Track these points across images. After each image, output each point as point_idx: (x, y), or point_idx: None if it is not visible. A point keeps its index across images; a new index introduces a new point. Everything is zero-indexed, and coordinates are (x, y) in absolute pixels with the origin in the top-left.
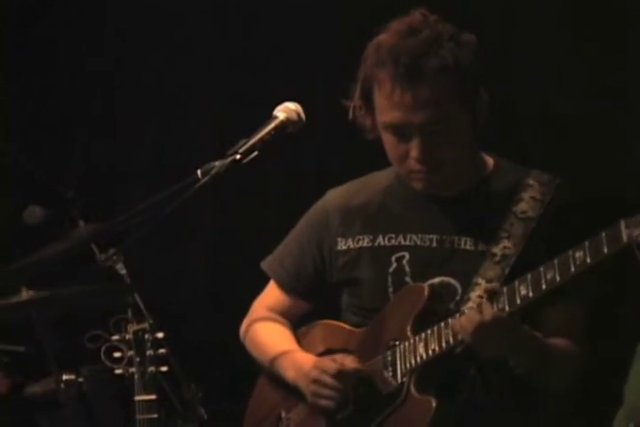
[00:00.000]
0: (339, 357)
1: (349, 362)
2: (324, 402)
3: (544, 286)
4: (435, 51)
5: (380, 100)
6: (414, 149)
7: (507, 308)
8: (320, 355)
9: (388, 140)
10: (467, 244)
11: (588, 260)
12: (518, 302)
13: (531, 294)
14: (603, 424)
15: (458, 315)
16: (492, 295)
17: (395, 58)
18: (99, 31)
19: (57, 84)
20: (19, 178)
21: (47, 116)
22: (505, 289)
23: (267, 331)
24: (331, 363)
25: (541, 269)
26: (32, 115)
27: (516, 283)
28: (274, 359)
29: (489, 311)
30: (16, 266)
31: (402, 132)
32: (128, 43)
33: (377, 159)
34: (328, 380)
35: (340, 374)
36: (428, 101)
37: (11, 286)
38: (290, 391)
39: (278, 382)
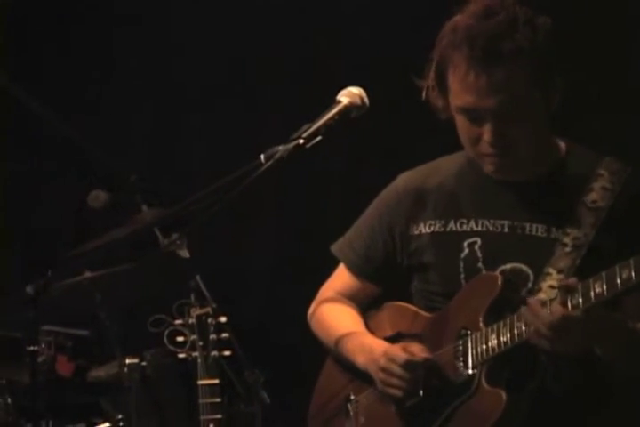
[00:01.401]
0: (408, 345)
1: (419, 351)
2: (392, 391)
3: (620, 286)
4: (510, 34)
5: (453, 83)
6: (487, 133)
7: (581, 305)
8: (389, 338)
9: (460, 122)
10: (538, 230)
11: None
12: (593, 299)
13: (606, 293)
14: None
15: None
16: (566, 291)
17: (470, 40)
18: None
19: (113, 70)
20: (83, 163)
21: (108, 102)
22: (580, 286)
23: (333, 313)
24: (400, 352)
25: (617, 267)
26: (94, 101)
27: (591, 281)
28: (340, 341)
29: (559, 312)
30: (80, 250)
31: (475, 115)
32: (195, 22)
33: (443, 143)
34: (396, 369)
35: (409, 364)
36: (502, 86)
37: (74, 271)
38: (358, 374)
39: (347, 363)
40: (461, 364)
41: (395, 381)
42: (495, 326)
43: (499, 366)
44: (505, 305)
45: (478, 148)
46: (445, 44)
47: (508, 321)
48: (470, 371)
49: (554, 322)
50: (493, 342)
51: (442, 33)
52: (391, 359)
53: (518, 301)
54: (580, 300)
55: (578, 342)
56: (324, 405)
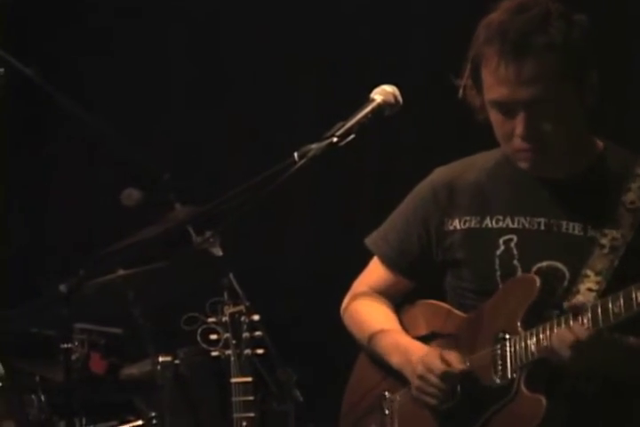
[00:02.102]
0: (445, 353)
1: (456, 362)
2: (427, 399)
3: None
4: (543, 28)
5: (486, 76)
6: (519, 126)
7: (601, 324)
8: (423, 337)
9: (495, 118)
10: (575, 229)
11: None
12: (612, 319)
13: (624, 313)
14: None
15: (570, 315)
16: (577, 311)
17: (502, 34)
18: None
19: (143, 68)
20: (116, 160)
21: (139, 99)
22: (599, 303)
23: (366, 309)
24: (437, 362)
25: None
26: (131, 99)
27: (633, 288)
28: (373, 338)
29: (581, 331)
30: (113, 248)
31: (507, 109)
32: (227, 20)
33: (478, 142)
34: (433, 379)
35: (446, 375)
36: (533, 78)
37: (108, 269)
38: (392, 372)
39: (380, 361)
40: (500, 368)
41: (431, 390)
42: (534, 331)
43: (537, 370)
44: (543, 308)
45: (512, 144)
46: (479, 40)
47: (548, 326)
48: (509, 376)
49: (579, 341)
50: (533, 347)
51: (477, 31)
52: (429, 369)
53: (556, 303)
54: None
55: (594, 362)
56: (356, 402)
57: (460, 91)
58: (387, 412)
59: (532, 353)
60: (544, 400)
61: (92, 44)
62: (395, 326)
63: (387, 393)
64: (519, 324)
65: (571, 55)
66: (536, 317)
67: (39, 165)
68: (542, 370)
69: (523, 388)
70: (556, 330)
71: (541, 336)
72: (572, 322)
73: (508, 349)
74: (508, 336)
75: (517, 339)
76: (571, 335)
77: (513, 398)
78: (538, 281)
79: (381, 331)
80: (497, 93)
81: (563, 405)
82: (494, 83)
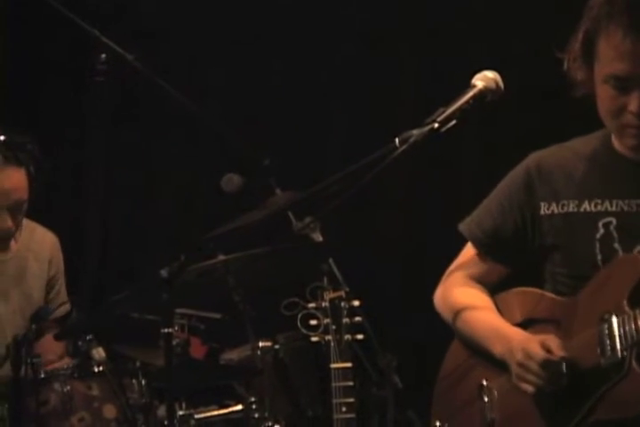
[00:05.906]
0: (546, 339)
1: (556, 348)
2: (525, 386)
3: None
4: None
5: (606, 50)
6: (633, 103)
7: None
8: (521, 324)
9: (605, 92)
10: None
11: None
12: None
13: None
14: None
15: None
16: None
17: (631, 8)
18: None
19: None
20: (217, 146)
21: (244, 83)
22: None
23: (461, 294)
24: (538, 349)
25: None
26: (232, 84)
27: None
28: (469, 323)
29: None
30: (214, 233)
31: (624, 84)
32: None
33: (572, 124)
34: (534, 367)
35: (547, 363)
36: None
37: (208, 254)
38: (490, 359)
39: (477, 347)
40: (608, 347)
41: (530, 377)
42: None
43: None
44: None
45: (621, 119)
46: (599, 14)
47: None
48: (619, 354)
49: None
50: None
51: (591, 4)
52: (529, 356)
53: None
54: None
55: None
56: (451, 390)
57: (565, 63)
58: (486, 400)
59: None
60: None
61: (193, 29)
62: (491, 310)
63: (484, 381)
64: (625, 302)
65: None
66: None
67: (141, 150)
68: None
69: (635, 365)
70: None
71: None
72: None
73: (615, 328)
74: (614, 316)
75: (626, 318)
76: None
77: (625, 376)
78: None
79: (478, 317)
80: (616, 68)
81: None
82: (615, 57)
